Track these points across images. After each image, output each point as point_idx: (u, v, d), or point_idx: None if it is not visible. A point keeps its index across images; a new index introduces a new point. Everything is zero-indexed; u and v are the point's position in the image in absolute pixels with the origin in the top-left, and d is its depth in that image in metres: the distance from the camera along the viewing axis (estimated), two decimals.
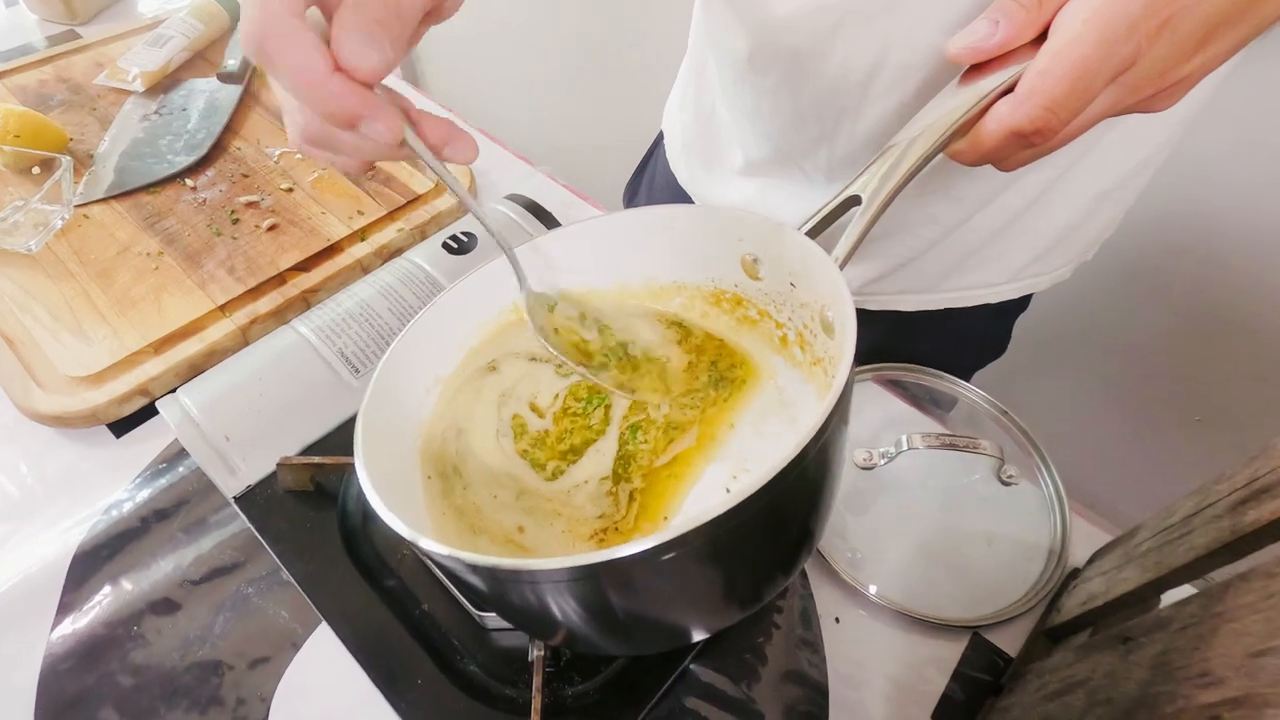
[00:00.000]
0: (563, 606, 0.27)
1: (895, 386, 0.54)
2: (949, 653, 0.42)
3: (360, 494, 0.37)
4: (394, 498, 0.28)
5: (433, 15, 0.32)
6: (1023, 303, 0.63)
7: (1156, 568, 0.34)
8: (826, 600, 0.44)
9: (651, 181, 0.75)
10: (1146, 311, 0.93)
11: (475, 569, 0.25)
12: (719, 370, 0.38)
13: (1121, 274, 0.89)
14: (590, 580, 0.24)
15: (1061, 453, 0.49)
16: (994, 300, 0.59)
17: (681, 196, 0.67)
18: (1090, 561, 0.43)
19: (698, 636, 0.37)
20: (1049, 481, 0.48)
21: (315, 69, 0.27)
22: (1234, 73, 0.38)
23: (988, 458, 0.46)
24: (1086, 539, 0.45)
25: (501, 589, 0.28)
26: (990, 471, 0.48)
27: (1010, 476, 0.47)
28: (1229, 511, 0.30)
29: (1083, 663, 0.33)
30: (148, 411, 0.50)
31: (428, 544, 0.25)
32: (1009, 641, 0.42)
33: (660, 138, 0.73)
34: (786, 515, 0.27)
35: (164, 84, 0.73)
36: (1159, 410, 0.99)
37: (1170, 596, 0.33)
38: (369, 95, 0.28)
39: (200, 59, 0.77)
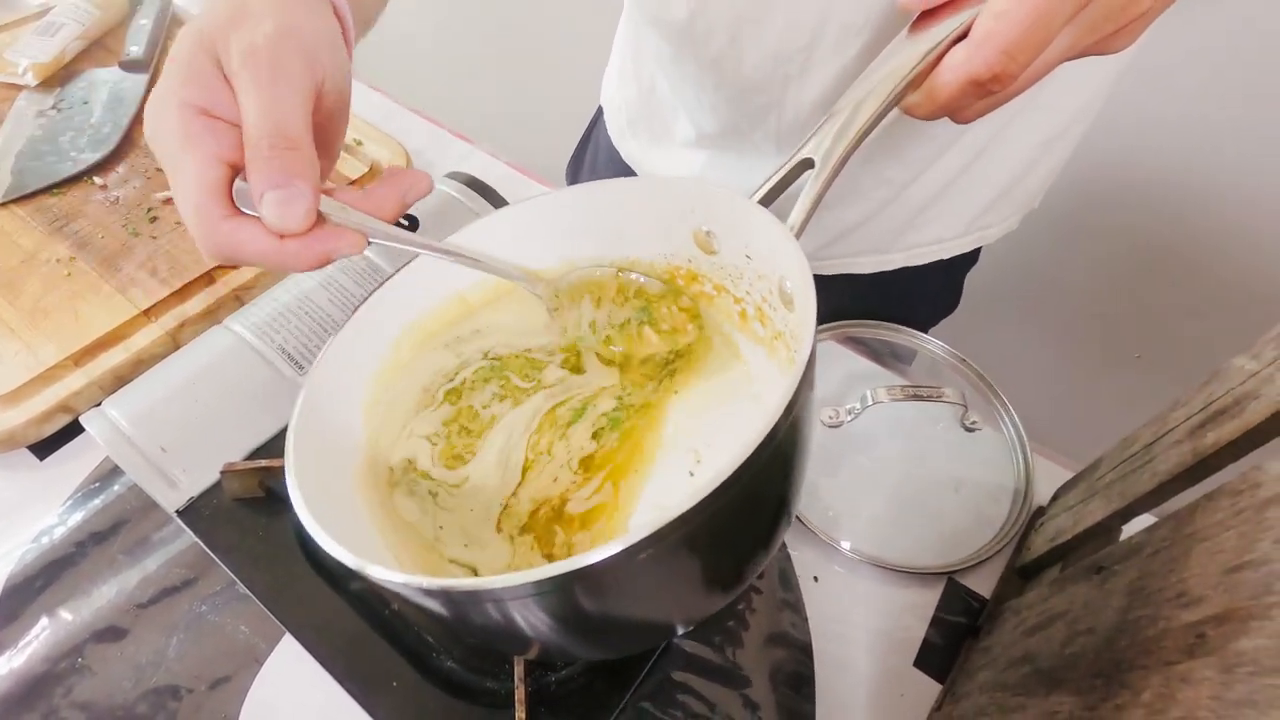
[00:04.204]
0: (534, 623, 0.25)
1: (855, 343, 0.54)
2: (926, 600, 0.43)
3: None
4: (337, 519, 0.25)
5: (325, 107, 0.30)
6: (972, 257, 0.64)
7: (1121, 497, 0.34)
8: (804, 560, 0.44)
9: (595, 158, 0.73)
10: (1087, 257, 0.96)
11: (431, 593, 0.23)
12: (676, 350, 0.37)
13: (1062, 222, 0.91)
14: (561, 592, 0.22)
15: (1018, 396, 0.50)
16: (946, 255, 0.59)
17: (626, 172, 0.65)
18: (1054, 499, 0.44)
19: (682, 629, 0.36)
20: (1009, 425, 0.49)
21: (271, 252, 0.27)
22: (1161, 23, 0.38)
23: (951, 405, 0.46)
24: (1048, 477, 0.46)
25: (463, 612, 0.25)
26: (954, 420, 0.49)
27: (973, 423, 0.48)
28: (1188, 436, 0.31)
29: (1059, 596, 0.33)
30: (73, 430, 0.46)
31: (376, 571, 0.22)
32: (982, 583, 0.43)
33: (600, 112, 0.71)
34: (763, 495, 0.26)
35: (60, 76, 0.67)
36: (1104, 350, 1.03)
37: (1134, 525, 0.34)
38: (320, 236, 0.28)
39: (99, 47, 0.71)
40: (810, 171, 0.29)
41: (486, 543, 0.34)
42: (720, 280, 0.35)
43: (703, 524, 0.21)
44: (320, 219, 0.28)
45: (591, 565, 0.20)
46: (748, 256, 0.33)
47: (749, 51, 0.45)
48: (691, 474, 0.33)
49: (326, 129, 0.31)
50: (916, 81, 0.29)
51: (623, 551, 0.20)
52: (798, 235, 0.28)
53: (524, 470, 0.36)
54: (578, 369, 0.39)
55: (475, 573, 0.32)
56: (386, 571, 0.22)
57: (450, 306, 0.37)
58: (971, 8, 0.28)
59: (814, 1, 0.40)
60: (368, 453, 0.33)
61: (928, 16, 0.30)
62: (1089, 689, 0.25)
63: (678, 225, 0.34)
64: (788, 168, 0.30)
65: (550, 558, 0.33)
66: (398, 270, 0.34)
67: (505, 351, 0.39)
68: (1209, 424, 0.30)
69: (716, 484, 0.20)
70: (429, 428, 0.36)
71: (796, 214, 0.29)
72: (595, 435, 0.37)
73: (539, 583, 0.21)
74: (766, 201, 0.31)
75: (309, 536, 0.24)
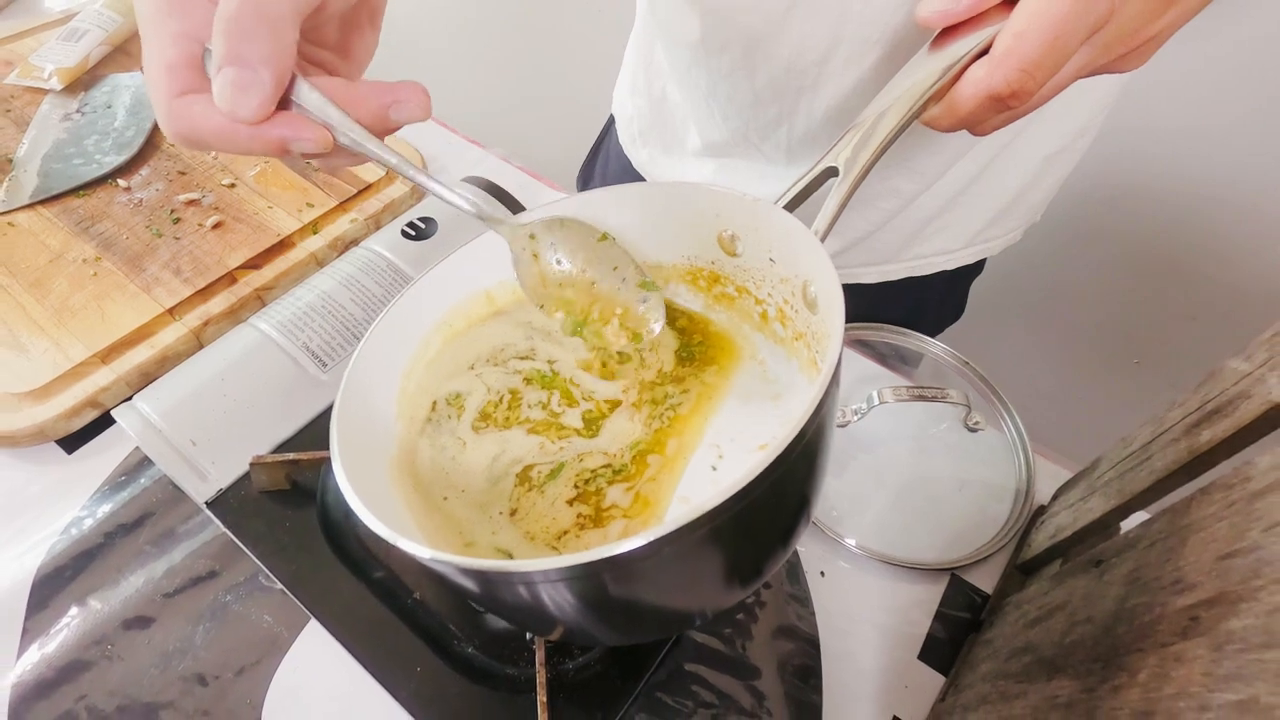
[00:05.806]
0: (561, 605, 0.26)
1: (862, 346, 0.55)
2: (930, 595, 0.44)
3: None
4: (377, 502, 0.26)
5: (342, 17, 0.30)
6: (977, 267, 0.65)
7: (1120, 494, 0.36)
8: (811, 556, 0.45)
9: (606, 166, 0.74)
10: (1087, 264, 0.98)
11: (466, 572, 0.24)
12: (690, 349, 0.38)
13: (1063, 231, 0.93)
14: (590, 578, 0.23)
15: (1020, 399, 0.51)
16: (951, 267, 0.60)
17: (636, 180, 0.67)
18: (1055, 497, 0.45)
19: (700, 620, 0.37)
20: (1011, 426, 0.51)
21: (224, 132, 0.27)
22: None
23: (954, 406, 0.48)
24: (1049, 477, 0.48)
25: (494, 591, 0.27)
26: (957, 420, 0.50)
27: (976, 424, 0.49)
28: (1184, 434, 0.32)
29: (1059, 589, 0.34)
30: (100, 425, 0.48)
31: (409, 546, 0.24)
32: (985, 579, 0.44)
33: (611, 121, 0.72)
34: (788, 492, 0.27)
35: (84, 80, 0.69)
36: (1103, 355, 1.05)
37: (1131, 522, 0.35)
38: (279, 121, 0.27)
39: (121, 53, 0.73)
40: (834, 180, 0.30)
41: (500, 526, 0.34)
42: (742, 282, 0.36)
43: (730, 519, 0.22)
44: (285, 105, 0.27)
45: (619, 555, 0.21)
46: (771, 260, 0.33)
47: (762, 65, 0.45)
48: (714, 468, 0.34)
49: (346, 37, 0.31)
50: (938, 95, 0.30)
51: (651, 543, 0.21)
52: (822, 240, 0.29)
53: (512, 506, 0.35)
54: (595, 424, 0.38)
55: (510, 556, 0.33)
56: (427, 549, 0.23)
57: (477, 303, 0.38)
58: (991, 26, 0.29)
59: (828, 18, 0.41)
60: (401, 445, 0.34)
61: (949, 33, 0.31)
62: (1088, 673, 0.27)
63: (702, 228, 0.35)
64: (811, 176, 0.31)
65: (596, 520, 0.33)
66: (428, 271, 0.35)
67: (565, 371, 0.39)
68: (1204, 423, 0.31)
69: (749, 479, 0.21)
70: (496, 381, 0.37)
71: (821, 220, 0.30)
72: (577, 485, 0.36)
73: (570, 568, 0.22)
74: (789, 208, 0.32)
75: (340, 525, 0.25)
